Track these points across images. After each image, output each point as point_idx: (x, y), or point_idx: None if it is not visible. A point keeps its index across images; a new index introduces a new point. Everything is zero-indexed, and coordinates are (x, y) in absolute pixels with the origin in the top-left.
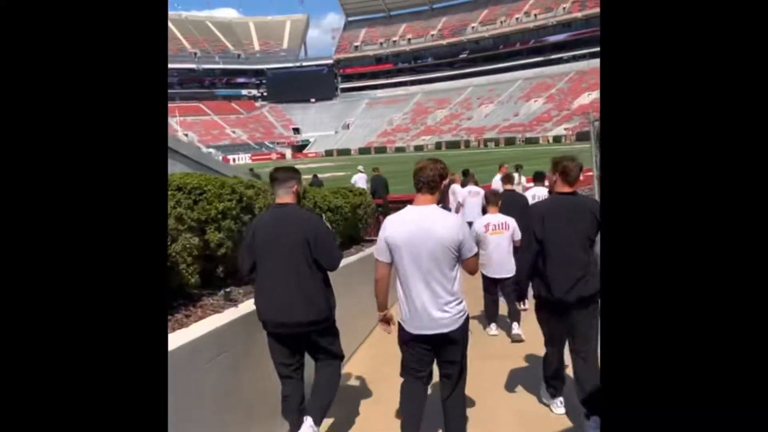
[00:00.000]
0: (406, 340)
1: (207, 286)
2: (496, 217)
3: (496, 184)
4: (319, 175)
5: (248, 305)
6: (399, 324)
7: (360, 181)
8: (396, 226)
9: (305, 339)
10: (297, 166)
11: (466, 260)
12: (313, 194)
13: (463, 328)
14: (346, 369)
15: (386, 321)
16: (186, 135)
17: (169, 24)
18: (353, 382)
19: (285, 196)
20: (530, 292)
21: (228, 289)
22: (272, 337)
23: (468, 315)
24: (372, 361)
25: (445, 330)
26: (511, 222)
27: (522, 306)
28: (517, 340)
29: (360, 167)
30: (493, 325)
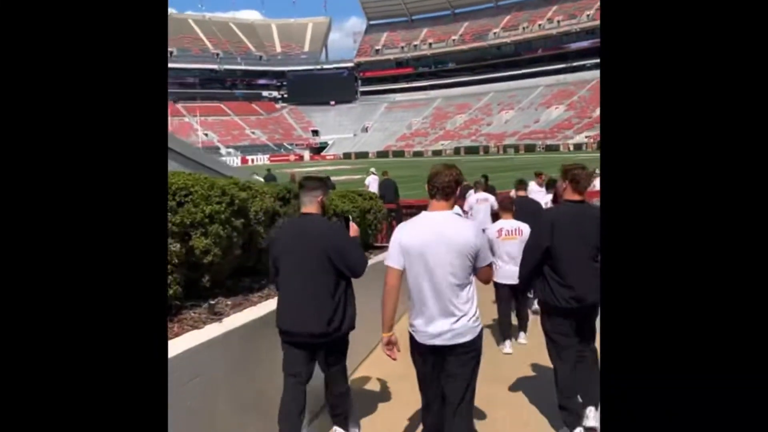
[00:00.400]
0: (418, 350)
1: (190, 297)
2: (509, 223)
3: (539, 193)
4: (335, 178)
5: (234, 320)
6: (410, 334)
7: (373, 183)
8: (410, 232)
9: (317, 349)
10: (314, 168)
11: (480, 269)
12: None
13: (477, 340)
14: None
15: (391, 344)
16: (206, 135)
17: (192, 25)
18: (359, 396)
19: (310, 205)
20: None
21: (213, 301)
22: (285, 344)
23: (482, 327)
24: (379, 374)
25: (460, 340)
26: (525, 228)
27: (535, 306)
28: (521, 343)
29: (372, 169)
30: (507, 343)
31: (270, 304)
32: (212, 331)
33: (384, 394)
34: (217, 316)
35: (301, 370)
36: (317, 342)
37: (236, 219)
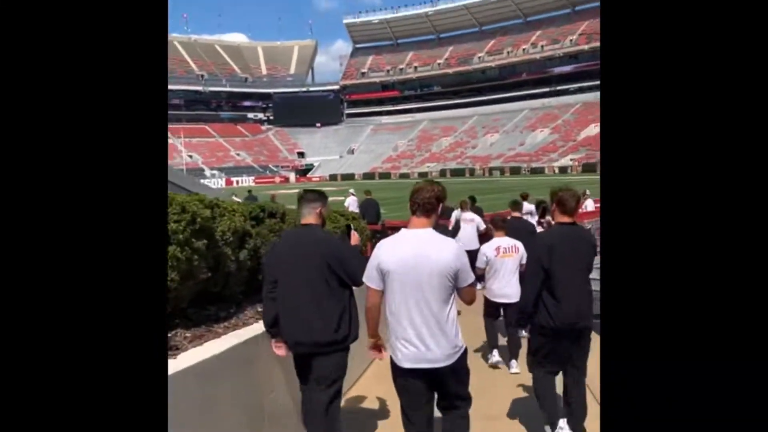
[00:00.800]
0: (399, 375)
1: None
2: (505, 240)
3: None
4: None
5: (191, 356)
6: (391, 359)
7: (353, 204)
8: (389, 251)
9: (322, 358)
10: (298, 190)
11: (462, 290)
12: (294, 217)
13: (461, 362)
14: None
15: (377, 348)
16: (190, 156)
17: (178, 47)
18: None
19: (309, 216)
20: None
21: (168, 334)
22: (294, 356)
23: (466, 348)
24: (372, 395)
25: (441, 365)
26: (521, 246)
27: (524, 333)
28: (514, 373)
29: (351, 190)
30: (495, 352)
31: (237, 336)
32: None
33: (379, 414)
34: (171, 351)
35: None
36: (323, 351)
37: (198, 240)
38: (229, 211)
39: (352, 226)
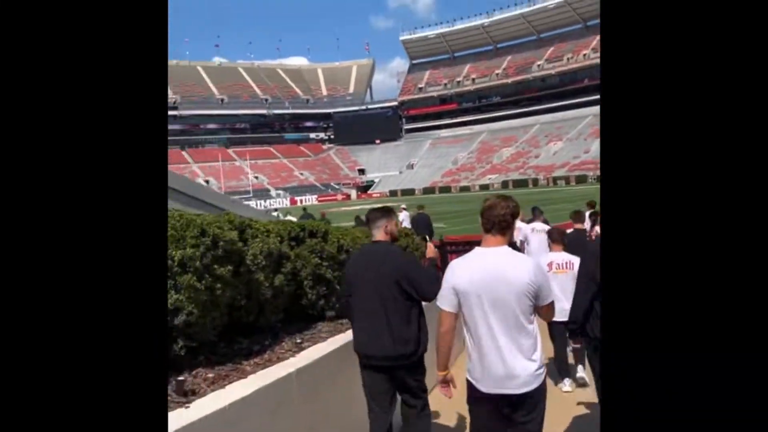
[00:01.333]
0: (477, 399)
1: None
2: (560, 256)
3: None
4: None
5: (209, 402)
6: (468, 381)
7: (405, 220)
8: (464, 272)
9: (393, 373)
10: (359, 207)
11: (540, 307)
12: (339, 236)
13: (542, 389)
14: None
15: (446, 383)
16: (257, 177)
17: (243, 72)
18: None
19: (377, 234)
20: None
21: (182, 377)
22: (363, 369)
23: (546, 373)
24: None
25: (523, 390)
26: (576, 262)
27: (575, 344)
28: (581, 384)
29: (403, 206)
30: (567, 381)
31: (266, 375)
32: (174, 421)
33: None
34: (185, 397)
35: (382, 396)
36: (394, 365)
37: (222, 266)
38: (262, 232)
39: (428, 239)
